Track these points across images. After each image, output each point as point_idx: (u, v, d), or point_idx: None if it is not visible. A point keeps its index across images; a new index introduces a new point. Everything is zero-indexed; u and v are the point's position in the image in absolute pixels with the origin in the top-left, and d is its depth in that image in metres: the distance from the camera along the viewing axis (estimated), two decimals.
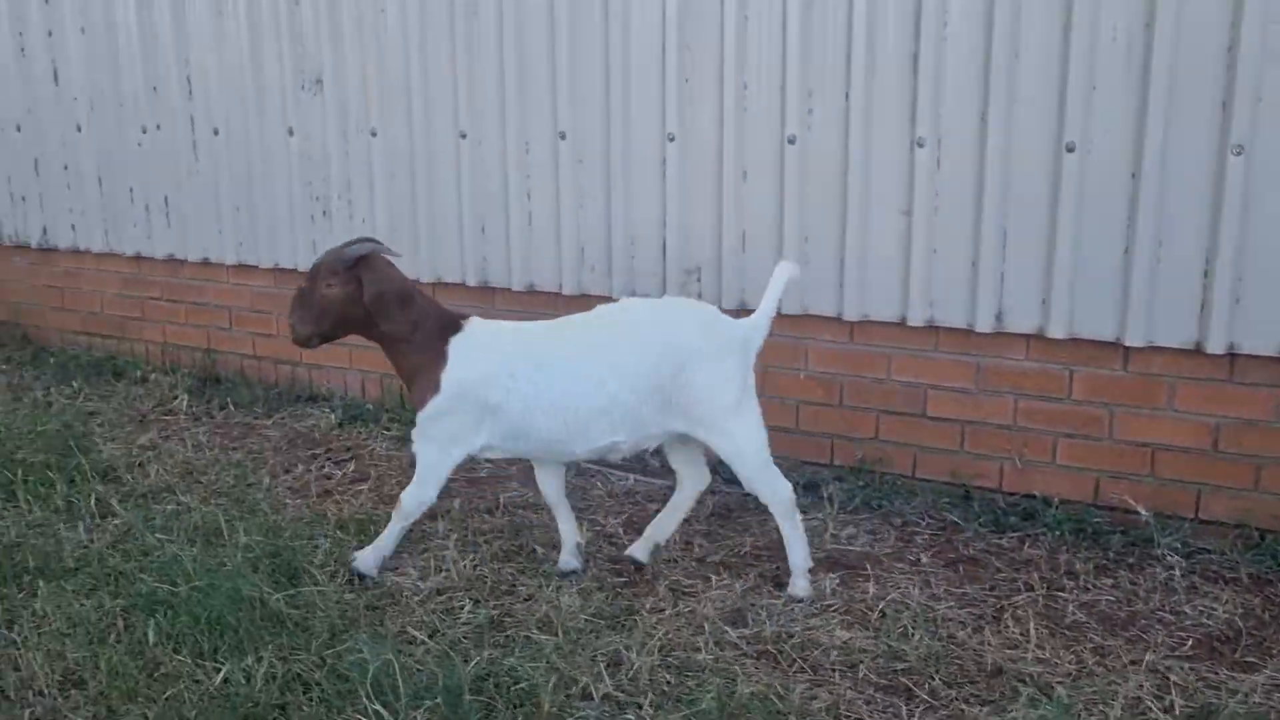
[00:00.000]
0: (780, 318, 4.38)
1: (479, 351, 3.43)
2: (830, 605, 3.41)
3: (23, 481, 4.30)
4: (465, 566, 3.63)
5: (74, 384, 5.85)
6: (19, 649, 3.10)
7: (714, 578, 3.60)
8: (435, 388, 3.40)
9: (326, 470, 4.66)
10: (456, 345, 3.44)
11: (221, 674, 2.88)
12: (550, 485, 3.71)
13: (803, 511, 3.88)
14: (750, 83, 4.33)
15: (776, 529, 3.55)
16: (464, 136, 4.97)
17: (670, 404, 3.40)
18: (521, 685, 2.87)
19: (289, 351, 5.76)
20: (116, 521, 4.02)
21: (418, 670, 2.91)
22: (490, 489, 4.43)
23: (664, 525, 3.71)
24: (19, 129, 6.32)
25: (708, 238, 4.55)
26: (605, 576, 3.62)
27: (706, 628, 3.23)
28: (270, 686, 2.84)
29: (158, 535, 3.85)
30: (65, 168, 6.23)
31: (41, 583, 3.43)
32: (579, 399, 3.36)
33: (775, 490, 3.49)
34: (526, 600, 3.45)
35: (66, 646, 3.08)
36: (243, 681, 2.84)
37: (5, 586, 3.44)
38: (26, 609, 3.32)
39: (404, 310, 3.42)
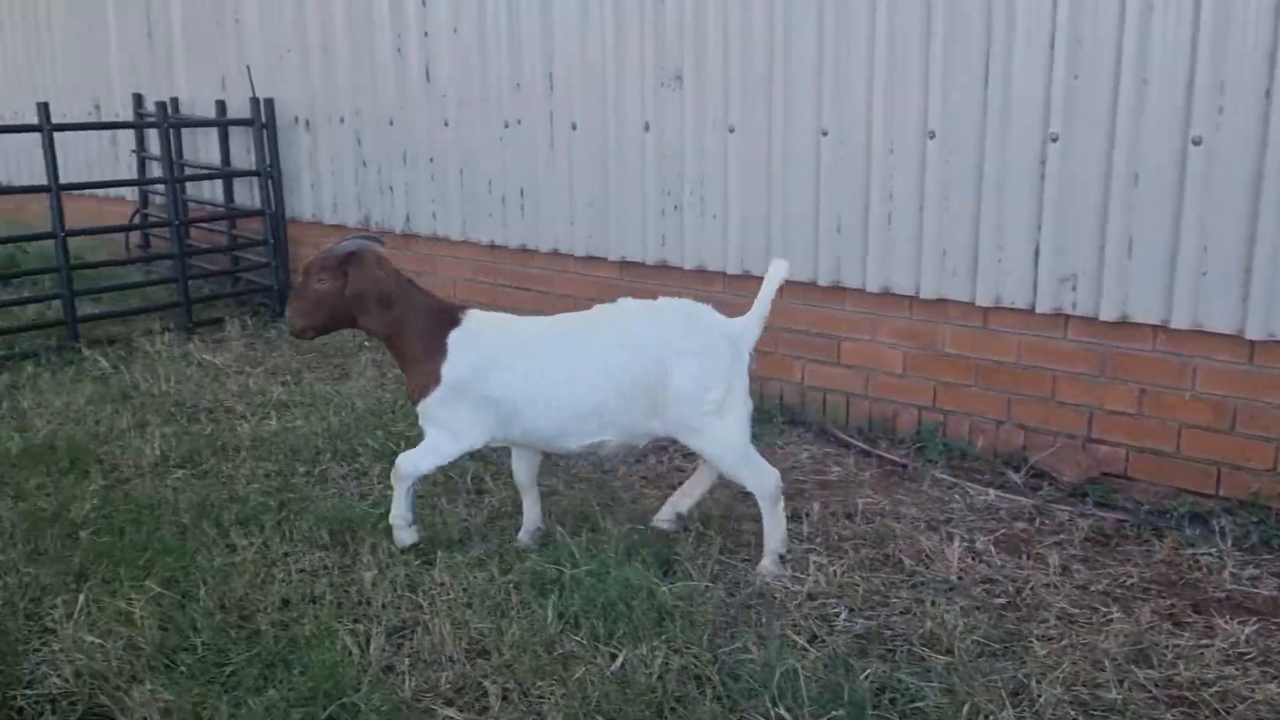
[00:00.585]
0: (1165, 332, 4.09)
1: (477, 346, 3.52)
2: (1246, 654, 3.11)
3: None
4: (835, 573, 3.56)
5: None
6: (426, 614, 3.29)
7: (1102, 608, 3.37)
8: (435, 379, 3.51)
9: (678, 463, 4.72)
10: (455, 339, 3.52)
11: (619, 660, 2.95)
12: (523, 471, 3.80)
13: (1190, 545, 3.59)
14: (1150, 79, 4.02)
15: (1163, 560, 3.29)
16: (825, 134, 4.90)
17: (656, 405, 3.47)
18: (918, 704, 2.78)
19: None
20: (493, 499, 4.22)
21: (807, 677, 2.86)
22: (844, 493, 4.35)
23: (689, 493, 3.84)
24: (392, 123, 6.80)
25: (1087, 244, 4.27)
26: (984, 597, 3.46)
27: (1108, 665, 3.01)
28: (667, 677, 2.88)
29: None
30: (431, 160, 6.64)
31: (440, 553, 3.63)
32: (569, 397, 3.46)
33: (761, 480, 3.55)
34: (904, 614, 3.34)
35: (468, 616, 3.24)
36: (640, 669, 2.89)
37: (409, 554, 3.67)
38: (426, 577, 3.52)
39: (383, 310, 3.52)
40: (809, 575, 3.53)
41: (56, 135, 6.40)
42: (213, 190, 8.18)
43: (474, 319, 3.61)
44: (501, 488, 4.34)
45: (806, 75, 4.90)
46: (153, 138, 8.58)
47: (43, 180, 6.32)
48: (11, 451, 4.64)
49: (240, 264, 7.80)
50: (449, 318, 3.58)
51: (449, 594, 3.40)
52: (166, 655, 3.10)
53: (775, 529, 3.60)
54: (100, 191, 8.88)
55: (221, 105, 7.73)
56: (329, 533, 3.87)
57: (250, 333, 6.91)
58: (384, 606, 3.34)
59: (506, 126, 6.19)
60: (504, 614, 3.24)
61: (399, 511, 3.69)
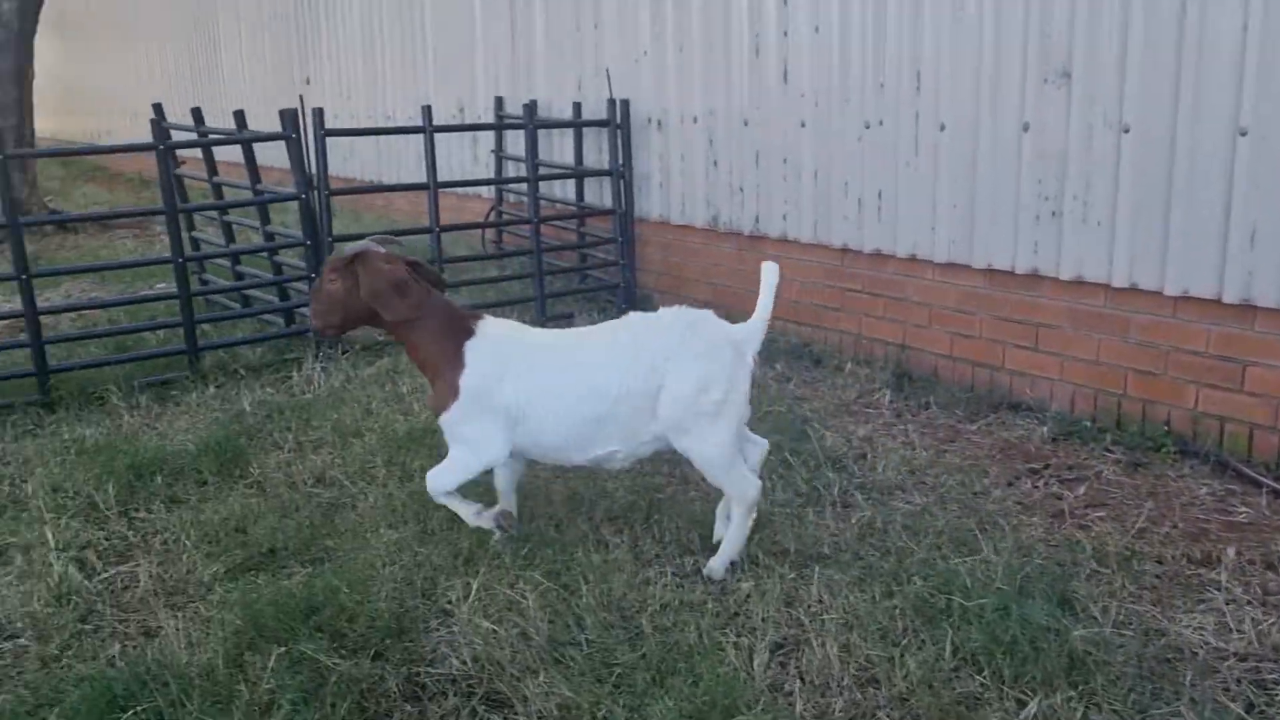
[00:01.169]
0: None
1: (492, 356, 3.60)
2: None
3: (766, 460, 4.52)
4: (1268, 630, 3.14)
5: (776, 366, 6.14)
6: (808, 632, 3.18)
7: None
8: (454, 393, 3.58)
9: (1054, 489, 4.37)
10: (471, 349, 3.61)
11: (1030, 708, 2.71)
12: (505, 479, 3.89)
13: None
14: None
15: None
16: (1244, 134, 4.38)
17: (656, 408, 3.51)
18: None
19: (989, 354, 5.58)
20: (860, 514, 4.06)
21: None
22: (1259, 538, 3.86)
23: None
24: (746, 124, 6.77)
25: None
26: None
27: None
28: None
29: (902, 535, 3.82)
30: (784, 161, 6.56)
31: (818, 568, 3.51)
32: (574, 409, 3.53)
33: (744, 491, 3.58)
34: None
35: (854, 639, 3.10)
36: None
37: (779, 565, 3.58)
38: (803, 592, 3.41)
39: (401, 296, 3.58)
40: (1237, 632, 3.13)
41: (432, 136, 6.81)
42: (564, 189, 8.48)
43: (489, 329, 3.69)
44: (869, 503, 4.17)
45: (1223, 67, 4.40)
46: (510, 138, 9.04)
47: (411, 178, 6.73)
48: (399, 434, 4.94)
49: (588, 261, 8.04)
50: (463, 325, 3.68)
51: (829, 613, 3.27)
52: (555, 648, 3.16)
53: (740, 536, 3.61)
54: (459, 189, 9.45)
55: (578, 107, 8.00)
56: (699, 537, 3.84)
57: None
58: (763, 620, 3.26)
59: (867, 127, 5.99)
60: (893, 642, 3.07)
61: (466, 515, 3.78)
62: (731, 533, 3.62)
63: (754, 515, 3.64)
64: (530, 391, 3.59)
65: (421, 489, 4.30)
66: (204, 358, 6.11)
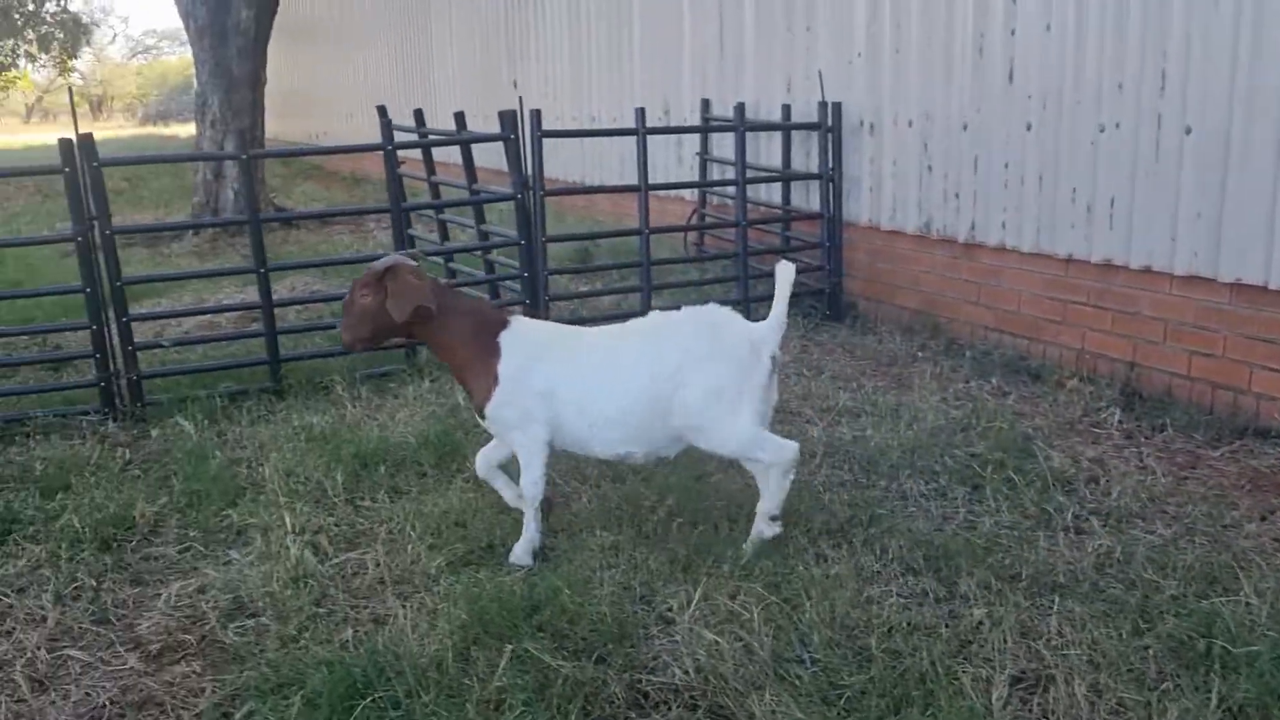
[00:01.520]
0: None
1: (526, 343, 3.76)
2: None
3: (989, 478, 4.33)
4: None
5: (992, 380, 5.88)
6: (1050, 667, 2.99)
7: None
8: (495, 379, 3.72)
9: None
10: (507, 338, 3.75)
11: None
12: (486, 460, 4.02)
13: None
14: None
15: None
16: None
17: (671, 409, 3.62)
18: None
19: (1233, 375, 5.18)
20: (1097, 542, 3.82)
21: None
22: None
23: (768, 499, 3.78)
24: (965, 128, 6.52)
25: None
26: None
27: None
28: None
29: (1146, 567, 3.57)
30: (1005, 166, 6.28)
31: (1055, 598, 3.31)
32: (597, 404, 3.66)
33: (780, 453, 3.64)
34: None
35: (1104, 680, 2.90)
36: None
37: (1012, 592, 3.40)
38: (1041, 624, 3.22)
39: (427, 315, 3.72)
40: None
41: (632, 138, 6.83)
42: (769, 193, 8.39)
43: (521, 322, 3.86)
44: (1106, 530, 3.92)
45: None
46: (714, 141, 9.01)
47: (612, 179, 6.75)
48: None
49: None
50: (498, 321, 3.83)
51: (1072, 648, 3.07)
52: (780, 664, 3.08)
53: (778, 494, 3.69)
54: (660, 191, 9.47)
55: (786, 109, 7.89)
56: (922, 558, 3.69)
57: (803, 335, 6.98)
58: (999, 651, 3.09)
59: (1101, 130, 5.66)
60: (1148, 686, 2.86)
61: (534, 538, 3.86)
62: (772, 494, 3.72)
63: (792, 475, 3.72)
64: (559, 380, 3.73)
65: (635, 491, 4.31)
66: (419, 352, 6.30)
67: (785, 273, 3.71)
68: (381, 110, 7.80)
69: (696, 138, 9.03)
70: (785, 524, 3.97)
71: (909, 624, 3.26)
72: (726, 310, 3.80)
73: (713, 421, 3.63)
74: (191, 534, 4.17)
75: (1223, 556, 3.66)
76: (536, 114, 6.34)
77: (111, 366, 5.62)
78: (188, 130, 37.70)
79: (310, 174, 17.84)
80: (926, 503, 4.26)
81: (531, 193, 6.36)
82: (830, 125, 7.34)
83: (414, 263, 3.92)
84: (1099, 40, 5.60)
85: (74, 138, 5.30)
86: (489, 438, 4.09)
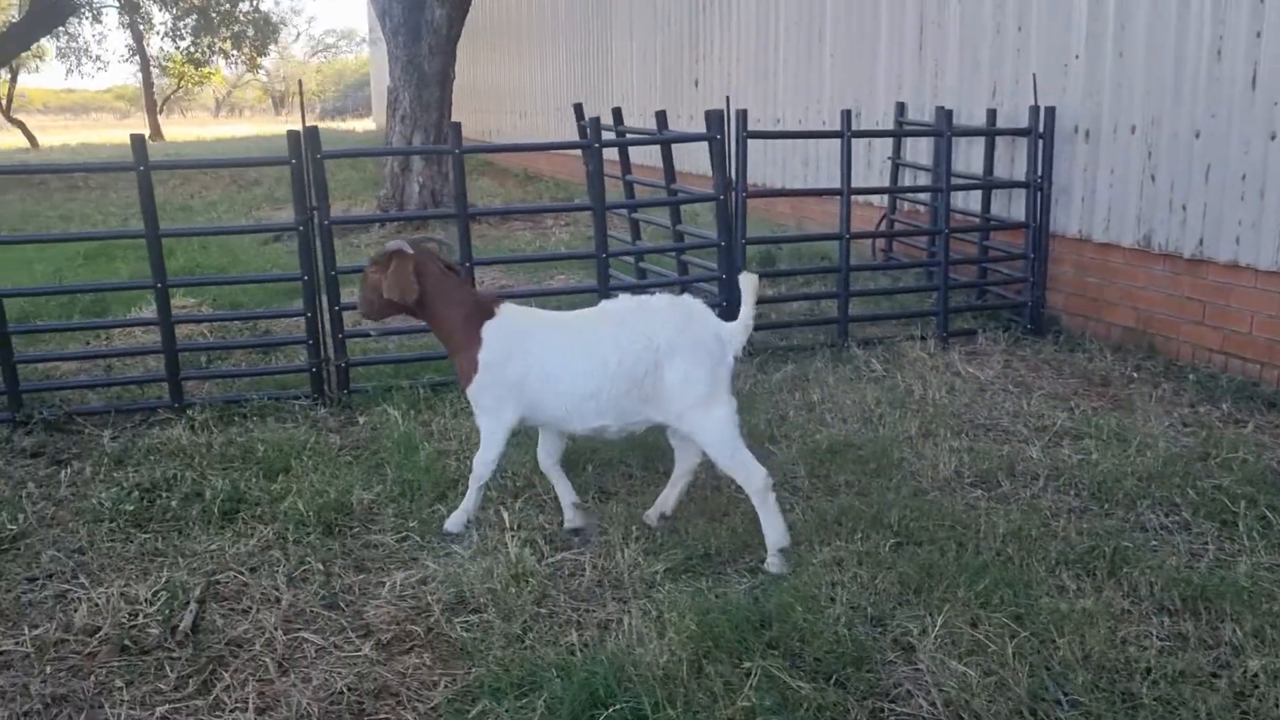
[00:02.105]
0: None
1: (506, 335, 3.96)
2: None
3: (1241, 514, 4.02)
4: None
5: (1222, 406, 5.49)
6: None
7: None
8: (474, 367, 3.95)
9: None
10: (489, 329, 3.97)
11: None
12: (547, 454, 4.18)
13: None
14: None
15: None
16: None
17: (649, 396, 3.81)
18: None
19: None
20: None
21: None
22: None
23: (668, 497, 4.14)
24: (1197, 135, 6.12)
25: None
26: None
27: None
28: None
29: None
30: (1243, 178, 5.87)
31: None
32: (573, 386, 3.86)
33: (750, 476, 3.78)
34: None
35: None
36: None
37: (1272, 634, 3.12)
38: None
39: (418, 301, 4.02)
40: None
41: (818, 141, 6.66)
42: (964, 200, 8.09)
43: (506, 313, 4.02)
44: None
45: None
46: (907, 146, 8.75)
47: (794, 181, 6.59)
48: (820, 445, 4.82)
49: (987, 276, 7.62)
50: (485, 311, 4.00)
51: None
52: (1036, 703, 2.89)
53: (771, 524, 3.78)
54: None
55: (992, 114, 7.58)
56: (1180, 597, 3.43)
57: (1005, 349, 6.67)
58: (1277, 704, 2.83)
59: None
60: None
61: (470, 508, 4.13)
62: (765, 525, 3.80)
63: (772, 497, 3.78)
64: (534, 370, 3.92)
65: (851, 505, 4.16)
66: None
67: (749, 282, 3.85)
68: (578, 109, 7.85)
69: (896, 143, 8.78)
70: (1019, 548, 3.77)
71: (1174, 670, 3.02)
72: (701, 303, 3.95)
73: (691, 408, 3.80)
74: (409, 524, 4.21)
75: None
76: (742, 114, 6.24)
77: (323, 353, 5.76)
78: (363, 125, 39.22)
79: (483, 170, 18.20)
80: (1170, 536, 3.97)
81: (734, 194, 6.26)
82: (1042, 131, 7.01)
83: (435, 248, 4.27)
84: None
85: (300, 129, 5.45)
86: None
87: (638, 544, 3.93)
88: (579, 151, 8.15)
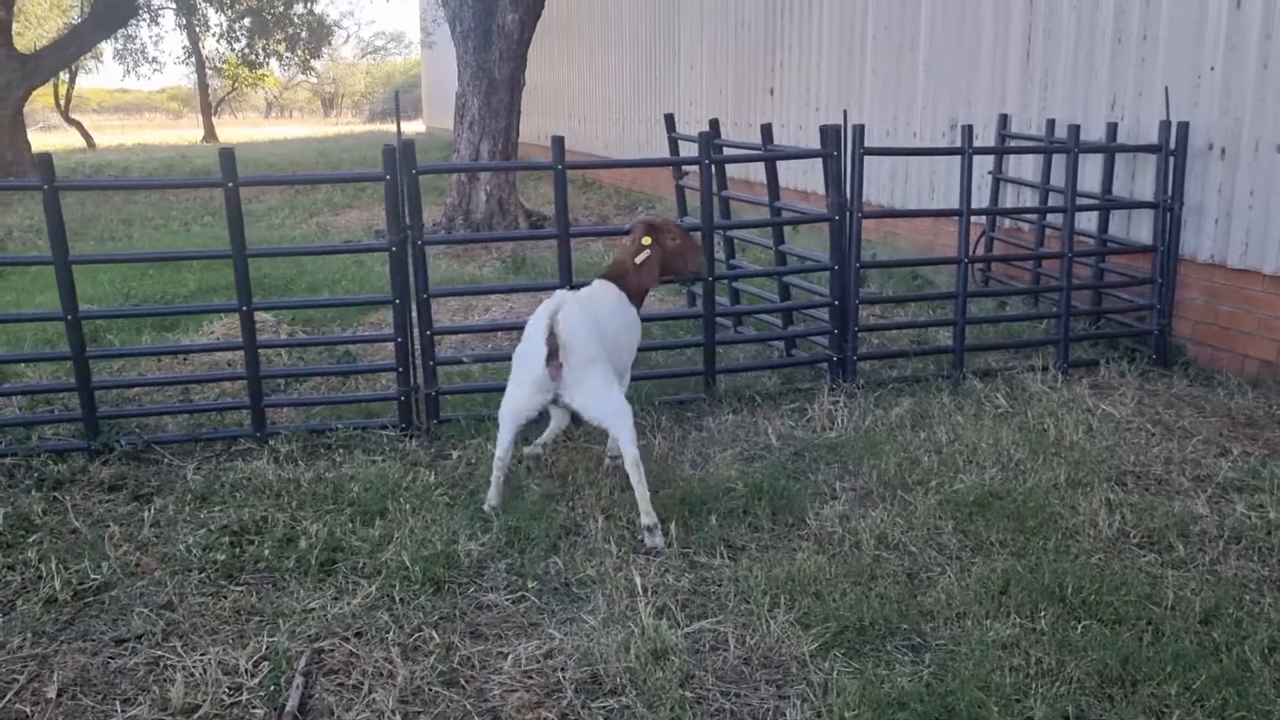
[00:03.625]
0: None
1: None
2: None
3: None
4: None
5: None
6: None
7: None
8: None
9: None
10: None
11: None
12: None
13: None
14: None
15: None
16: None
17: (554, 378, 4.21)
18: None
19: None
20: None
21: None
22: None
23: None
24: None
25: None
26: None
27: None
28: None
29: None
30: None
31: None
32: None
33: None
34: None
35: None
36: None
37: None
38: None
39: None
40: None
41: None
42: (1082, 220, 7.60)
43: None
44: None
45: None
46: (1011, 160, 8.29)
47: (894, 201, 6.15)
48: (964, 495, 4.39)
49: (1103, 304, 7.14)
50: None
51: None
52: None
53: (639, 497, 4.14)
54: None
55: (1112, 129, 7.10)
56: None
57: (1132, 382, 6.20)
58: None
59: None
60: None
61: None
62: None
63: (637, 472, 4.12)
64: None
65: (1013, 570, 3.74)
66: (718, 380, 5.88)
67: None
68: (669, 119, 7.46)
69: (998, 159, 8.32)
70: (1224, 633, 3.33)
71: None
72: (566, 294, 4.39)
73: (575, 382, 4.21)
74: (526, 583, 3.83)
75: None
76: (860, 130, 5.81)
77: (412, 380, 5.41)
78: (413, 128, 39.09)
79: (540, 176, 17.76)
80: None
81: (850, 214, 5.84)
82: (1174, 148, 6.53)
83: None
84: None
85: (396, 144, 5.10)
86: None
87: (784, 613, 3.53)
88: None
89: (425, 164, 5.23)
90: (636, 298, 4.82)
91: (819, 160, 6.09)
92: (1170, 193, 6.58)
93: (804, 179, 10.97)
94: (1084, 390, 5.96)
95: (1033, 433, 5.22)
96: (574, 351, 4.14)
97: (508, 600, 3.75)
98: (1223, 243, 6.50)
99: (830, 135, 5.73)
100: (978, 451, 4.96)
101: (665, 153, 8.35)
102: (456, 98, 12.09)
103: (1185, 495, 4.54)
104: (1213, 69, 6.47)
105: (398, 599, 3.70)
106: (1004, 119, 8.26)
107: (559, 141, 5.40)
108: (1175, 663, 3.14)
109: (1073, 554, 3.94)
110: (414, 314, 5.36)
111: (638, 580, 3.69)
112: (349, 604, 3.67)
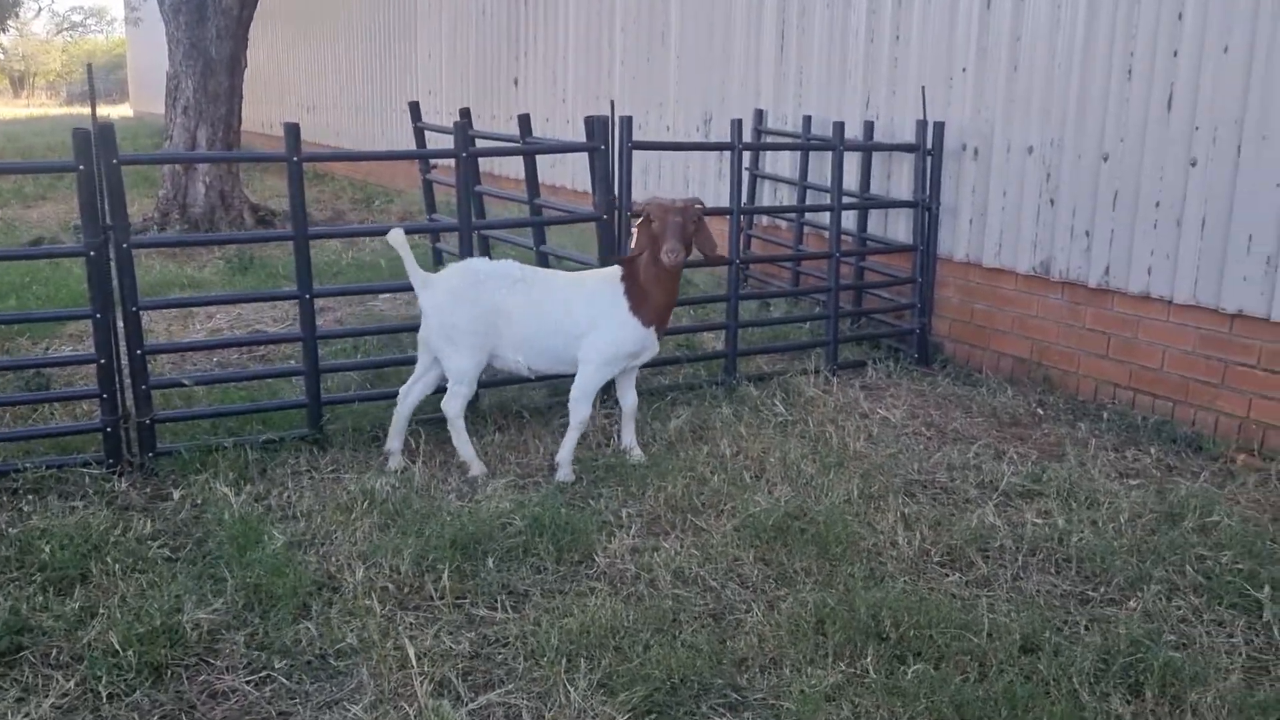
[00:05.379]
0: None
1: None
2: None
3: (1266, 601, 3.53)
4: None
5: (1151, 451, 5.12)
6: None
7: None
8: None
9: None
10: None
11: None
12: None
13: None
14: None
15: None
16: None
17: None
18: None
19: None
20: None
21: None
22: None
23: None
24: (1105, 159, 5.76)
25: None
26: None
27: None
28: None
29: None
30: (1156, 205, 5.53)
31: None
32: None
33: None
34: None
35: None
36: None
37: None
38: None
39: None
40: None
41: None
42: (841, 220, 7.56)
43: None
44: None
45: None
46: (764, 156, 8.18)
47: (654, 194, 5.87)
48: (761, 519, 4.06)
49: (863, 303, 7.11)
50: None
51: None
52: None
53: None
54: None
55: (869, 127, 7.07)
56: None
57: (899, 382, 6.15)
58: None
59: None
60: None
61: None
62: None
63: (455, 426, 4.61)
64: None
65: (824, 604, 3.43)
66: (480, 397, 5.33)
67: (398, 237, 4.52)
68: (414, 107, 6.82)
69: (755, 155, 8.16)
70: (1048, 663, 3.14)
71: None
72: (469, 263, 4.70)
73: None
74: (271, 660, 3.17)
75: None
76: (627, 121, 5.42)
77: (120, 407, 4.56)
78: (118, 111, 35.81)
79: (265, 167, 16.48)
80: (1189, 629, 3.45)
81: (619, 212, 5.43)
82: (930, 148, 6.54)
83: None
84: None
85: (91, 127, 4.24)
86: None
87: (584, 676, 3.06)
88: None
89: (129, 153, 4.39)
90: (643, 286, 4.68)
91: (568, 155, 5.66)
92: (928, 192, 6.59)
93: (551, 173, 10.51)
94: (857, 393, 5.84)
95: (816, 443, 5.00)
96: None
97: (249, 684, 3.09)
98: (978, 242, 6.57)
99: (597, 127, 5.30)
100: (765, 467, 4.67)
101: (403, 143, 7.71)
102: (168, 79, 10.86)
103: (975, 505, 4.41)
104: (965, 70, 6.52)
105: (104, 695, 2.95)
106: (760, 114, 8.13)
107: (293, 129, 4.68)
108: (1009, 704, 2.91)
109: (879, 578, 3.69)
110: (121, 328, 4.52)
111: (409, 648, 3.12)
112: (38, 708, 2.90)
